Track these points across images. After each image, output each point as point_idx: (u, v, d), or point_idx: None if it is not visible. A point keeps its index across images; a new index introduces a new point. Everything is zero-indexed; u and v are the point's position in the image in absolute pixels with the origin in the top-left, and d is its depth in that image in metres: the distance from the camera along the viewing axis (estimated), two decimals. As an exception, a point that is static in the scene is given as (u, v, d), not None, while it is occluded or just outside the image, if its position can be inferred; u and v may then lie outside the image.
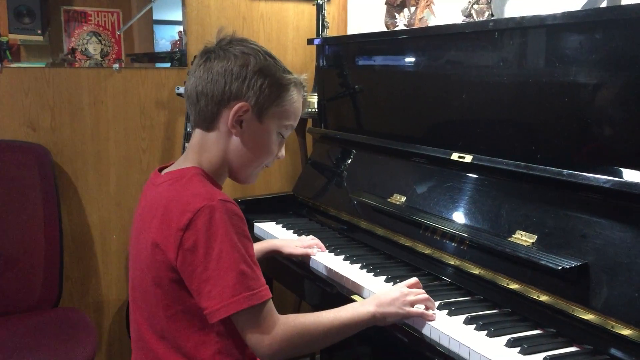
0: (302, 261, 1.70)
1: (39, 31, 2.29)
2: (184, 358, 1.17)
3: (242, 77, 1.19)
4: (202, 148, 1.24)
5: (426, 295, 1.29)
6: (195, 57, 1.27)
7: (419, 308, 1.28)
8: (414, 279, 1.34)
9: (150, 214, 1.19)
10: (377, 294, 1.31)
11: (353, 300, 1.40)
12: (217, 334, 1.17)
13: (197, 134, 1.25)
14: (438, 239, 1.54)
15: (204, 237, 1.09)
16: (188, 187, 1.17)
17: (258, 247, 1.63)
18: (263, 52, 1.23)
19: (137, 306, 1.23)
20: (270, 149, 1.26)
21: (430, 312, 1.27)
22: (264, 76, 1.20)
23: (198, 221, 1.10)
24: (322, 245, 1.72)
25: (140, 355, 1.24)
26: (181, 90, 2.31)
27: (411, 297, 1.27)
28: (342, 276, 1.54)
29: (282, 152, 1.31)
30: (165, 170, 1.26)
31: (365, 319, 1.23)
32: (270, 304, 1.14)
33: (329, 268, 1.60)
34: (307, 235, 1.80)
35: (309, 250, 1.68)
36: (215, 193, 1.14)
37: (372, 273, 1.53)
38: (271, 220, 2.04)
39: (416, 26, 2.09)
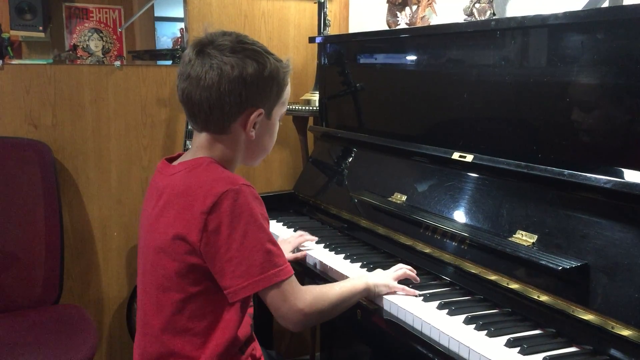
0: (301, 259, 1.70)
1: (41, 28, 2.29)
2: (194, 338, 1.20)
3: (256, 85, 1.21)
4: (212, 147, 1.26)
5: (404, 271, 1.43)
6: (187, 54, 1.23)
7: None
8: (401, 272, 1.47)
9: (167, 202, 1.21)
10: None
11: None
12: (227, 311, 1.21)
13: (205, 135, 1.26)
14: (438, 238, 1.54)
15: (227, 219, 1.13)
16: (207, 172, 1.20)
17: None
18: (265, 53, 1.23)
19: (146, 293, 1.26)
20: (275, 136, 1.33)
21: (411, 290, 1.40)
22: (272, 80, 1.23)
23: (223, 204, 1.14)
24: (311, 237, 1.75)
25: (145, 342, 1.25)
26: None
27: (394, 274, 1.43)
28: (342, 275, 1.54)
29: None
30: (176, 161, 1.29)
31: (362, 288, 1.36)
32: (294, 276, 1.21)
33: (329, 267, 1.60)
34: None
35: (298, 255, 1.70)
36: (237, 178, 1.19)
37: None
38: (272, 218, 2.04)
39: (418, 25, 2.08)
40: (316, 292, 1.24)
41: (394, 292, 1.39)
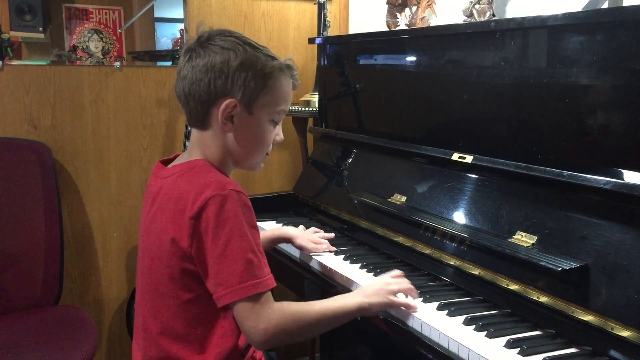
0: (302, 260, 1.70)
1: (40, 28, 2.29)
2: (190, 345, 1.19)
3: (225, 73, 1.18)
4: (202, 145, 1.25)
5: (408, 285, 1.33)
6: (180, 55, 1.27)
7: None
8: (397, 271, 1.38)
9: (160, 205, 1.21)
10: (363, 285, 1.35)
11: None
12: (223, 318, 1.20)
13: (195, 132, 1.26)
14: (438, 239, 1.54)
15: (212, 224, 1.12)
16: (199, 176, 1.19)
17: (268, 234, 1.68)
18: (243, 44, 1.21)
19: (143, 297, 1.25)
20: (265, 138, 1.27)
21: (412, 301, 1.31)
22: (247, 69, 1.19)
23: (208, 210, 1.12)
24: (330, 247, 1.72)
25: (145, 344, 1.25)
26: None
27: (394, 287, 1.31)
28: (342, 276, 1.54)
29: (280, 135, 1.31)
30: (171, 164, 1.28)
31: (354, 309, 1.25)
32: (269, 292, 1.16)
33: (329, 267, 1.60)
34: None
35: (318, 247, 1.69)
36: (227, 182, 1.17)
37: (372, 273, 1.53)
38: (272, 219, 2.04)
39: (417, 26, 2.08)
40: (287, 312, 1.15)
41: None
